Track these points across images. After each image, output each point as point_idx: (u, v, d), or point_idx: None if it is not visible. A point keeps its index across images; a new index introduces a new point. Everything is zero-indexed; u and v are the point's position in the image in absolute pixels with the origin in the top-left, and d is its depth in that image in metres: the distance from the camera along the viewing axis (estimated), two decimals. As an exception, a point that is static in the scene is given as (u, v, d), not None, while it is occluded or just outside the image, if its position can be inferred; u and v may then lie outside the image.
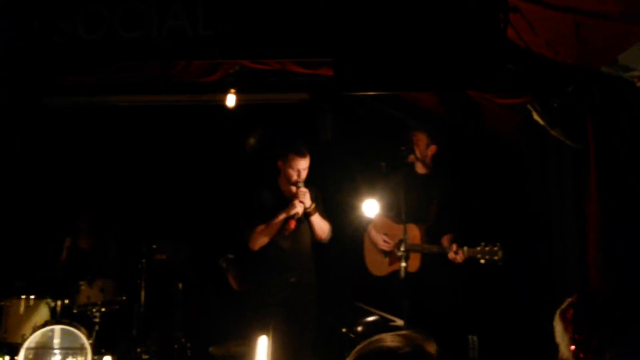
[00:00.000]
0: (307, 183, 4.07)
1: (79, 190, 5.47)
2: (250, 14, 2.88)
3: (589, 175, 3.12)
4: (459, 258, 3.65)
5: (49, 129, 5.23)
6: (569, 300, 2.12)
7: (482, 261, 3.52)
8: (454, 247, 3.67)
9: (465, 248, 3.63)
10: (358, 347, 1.18)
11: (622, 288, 2.82)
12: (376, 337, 1.19)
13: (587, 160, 3.13)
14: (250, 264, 4.26)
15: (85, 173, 5.49)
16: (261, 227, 3.98)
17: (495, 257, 3.46)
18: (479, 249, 3.55)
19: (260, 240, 4.00)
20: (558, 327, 2.10)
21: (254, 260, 4.14)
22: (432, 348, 1.15)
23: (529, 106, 3.38)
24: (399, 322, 3.55)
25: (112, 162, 5.55)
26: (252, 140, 5.10)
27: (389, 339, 1.16)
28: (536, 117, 3.38)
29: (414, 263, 3.79)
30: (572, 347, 1.99)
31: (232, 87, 4.29)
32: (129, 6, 2.86)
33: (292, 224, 3.90)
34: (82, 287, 4.79)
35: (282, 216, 3.91)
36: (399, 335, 1.18)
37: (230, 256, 4.81)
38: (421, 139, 4.04)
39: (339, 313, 4.19)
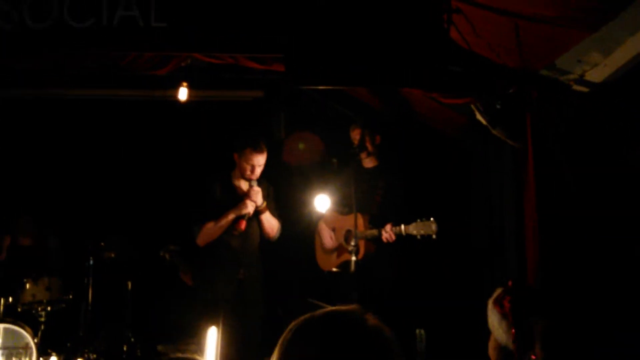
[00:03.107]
0: (260, 178, 4.02)
1: (19, 187, 5.32)
2: (202, 7, 2.90)
3: (527, 172, 3.28)
4: (391, 238, 3.74)
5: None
6: (501, 288, 2.20)
7: (418, 237, 3.61)
8: (388, 227, 3.75)
9: (403, 226, 3.70)
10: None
11: (554, 278, 3.00)
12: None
13: (526, 158, 3.29)
14: (199, 260, 4.21)
15: (27, 168, 5.35)
16: (210, 224, 3.88)
17: (430, 232, 3.55)
18: (413, 224, 3.64)
19: (208, 238, 3.91)
20: (494, 315, 2.17)
21: (203, 257, 4.07)
22: (372, 318, 1.19)
23: (472, 106, 3.53)
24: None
25: (56, 157, 5.43)
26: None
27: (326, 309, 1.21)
28: (479, 116, 3.53)
29: (360, 250, 3.87)
30: (513, 331, 2.06)
31: (184, 81, 4.28)
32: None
33: (243, 225, 3.81)
34: (27, 285, 4.66)
35: (232, 215, 3.82)
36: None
37: (172, 247, 4.75)
38: (368, 133, 4.15)
39: (289, 308, 4.23)
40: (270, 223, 3.99)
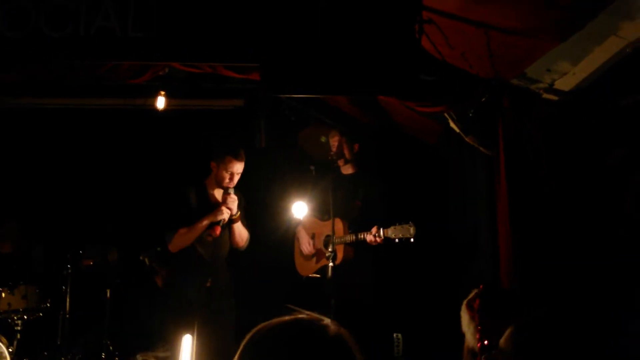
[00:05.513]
0: (234, 188, 4.03)
1: (0, 195, 5.28)
2: (179, 17, 2.92)
3: (499, 178, 3.36)
4: (378, 240, 3.79)
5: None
6: (475, 291, 2.25)
7: (396, 240, 3.67)
8: (374, 230, 3.80)
9: (382, 230, 3.77)
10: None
11: (527, 281, 3.07)
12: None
13: (498, 164, 3.38)
14: (170, 266, 4.21)
15: (6, 177, 5.31)
16: (183, 230, 3.88)
17: (408, 235, 3.61)
18: (392, 228, 3.71)
19: (181, 244, 3.91)
20: (465, 316, 2.21)
21: (174, 263, 4.08)
22: (334, 326, 1.18)
23: (445, 114, 3.61)
24: (327, 321, 3.63)
25: (36, 166, 5.40)
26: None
27: (286, 317, 1.19)
28: (452, 124, 3.62)
29: (338, 255, 3.92)
30: (478, 336, 2.11)
31: (162, 90, 4.30)
32: (55, 3, 2.82)
33: (217, 230, 3.82)
34: (3, 294, 4.62)
35: (207, 221, 3.84)
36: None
37: (152, 251, 4.75)
38: (346, 141, 4.21)
39: (269, 314, 4.24)
40: (241, 232, 4.01)
